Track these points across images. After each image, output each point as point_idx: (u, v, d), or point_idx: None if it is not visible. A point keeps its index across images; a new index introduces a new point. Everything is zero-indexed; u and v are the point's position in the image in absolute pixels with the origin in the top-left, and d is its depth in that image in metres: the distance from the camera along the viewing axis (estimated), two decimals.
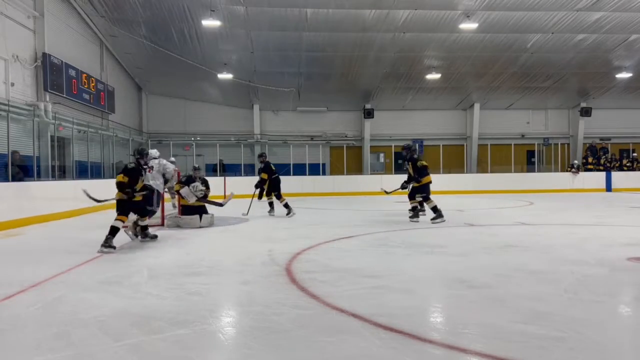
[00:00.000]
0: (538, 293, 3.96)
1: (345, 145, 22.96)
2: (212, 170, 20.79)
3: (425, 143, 23.39)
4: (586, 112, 23.08)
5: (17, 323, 3.36)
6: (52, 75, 13.26)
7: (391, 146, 23.16)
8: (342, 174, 22.27)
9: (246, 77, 19.82)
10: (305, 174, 20.70)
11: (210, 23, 14.92)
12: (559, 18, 15.94)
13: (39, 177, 11.68)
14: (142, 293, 4.13)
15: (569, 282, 4.37)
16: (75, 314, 3.49)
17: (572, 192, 19.61)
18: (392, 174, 22.12)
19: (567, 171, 21.40)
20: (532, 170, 23.23)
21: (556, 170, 22.80)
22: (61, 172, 13.55)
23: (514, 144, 23.62)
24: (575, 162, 21.68)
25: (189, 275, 4.77)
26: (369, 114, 22.54)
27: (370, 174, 22.32)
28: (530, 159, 23.94)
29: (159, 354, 2.74)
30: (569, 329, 3.06)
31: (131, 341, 2.92)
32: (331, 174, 22.63)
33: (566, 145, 24.26)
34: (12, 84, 11.85)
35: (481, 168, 23.02)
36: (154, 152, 8.51)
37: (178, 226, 8.83)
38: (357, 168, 22.85)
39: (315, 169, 21.95)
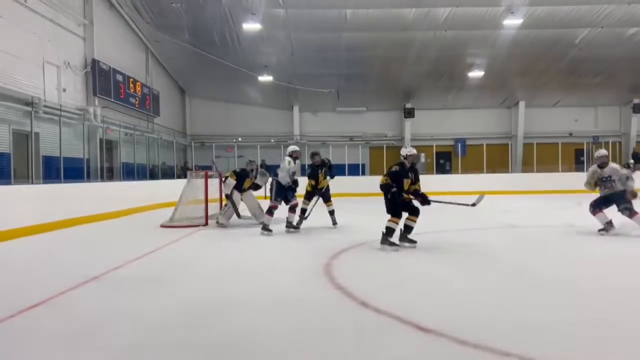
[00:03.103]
0: (581, 295, 3.80)
1: (385, 146, 22.74)
2: None
3: (468, 142, 22.92)
4: (639, 109, 21.99)
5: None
6: (101, 80, 13.78)
7: (432, 146, 22.76)
8: (382, 174, 22.06)
9: (286, 79, 19.98)
10: (344, 175, 20.64)
11: (251, 26, 15.15)
12: (609, 11, 15.27)
13: (89, 178, 12.16)
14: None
15: (614, 285, 4.17)
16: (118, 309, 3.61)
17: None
18: (433, 174, 21.76)
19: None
20: (581, 170, 22.23)
21: None
22: (109, 174, 14.05)
23: (561, 143, 22.75)
24: (631, 161, 20.62)
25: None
26: (409, 113, 22.28)
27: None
28: (579, 158, 22.98)
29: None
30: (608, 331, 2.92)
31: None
32: (371, 174, 22.47)
33: (617, 143, 23.18)
34: (64, 90, 12.39)
35: (526, 168, 22.32)
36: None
37: (222, 225, 8.93)
38: None
39: (354, 170, 21.85)
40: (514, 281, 4.43)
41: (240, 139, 22.32)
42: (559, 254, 5.79)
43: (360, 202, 14.42)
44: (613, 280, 4.42)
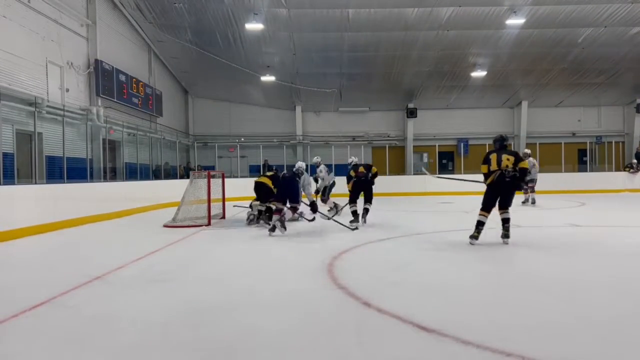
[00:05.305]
0: (582, 296, 3.80)
1: (387, 146, 22.75)
2: (256, 171, 21.07)
3: (470, 142, 22.89)
4: None
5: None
6: (104, 80, 13.81)
7: (435, 146, 22.77)
8: (385, 174, 22.06)
9: (288, 79, 20.00)
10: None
11: (253, 26, 15.16)
12: (612, 11, 15.23)
13: (92, 178, 12.19)
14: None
15: (616, 285, 4.16)
16: (120, 310, 3.62)
17: (630, 192, 18.63)
18: (436, 174, 21.74)
19: (624, 170, 20.32)
20: (584, 170, 22.28)
21: (610, 170, 21.78)
22: (112, 174, 14.08)
23: (564, 143, 22.72)
24: (634, 161, 20.55)
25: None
26: (411, 113, 22.27)
27: (414, 174, 22.01)
28: (582, 158, 22.95)
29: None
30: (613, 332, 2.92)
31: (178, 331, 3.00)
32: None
33: (621, 143, 23.13)
34: (67, 90, 12.42)
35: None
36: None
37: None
38: (399, 168, 22.59)
39: None
40: (516, 281, 4.43)
41: (242, 139, 22.35)
42: (560, 254, 5.77)
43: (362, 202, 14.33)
44: (614, 280, 4.41)
